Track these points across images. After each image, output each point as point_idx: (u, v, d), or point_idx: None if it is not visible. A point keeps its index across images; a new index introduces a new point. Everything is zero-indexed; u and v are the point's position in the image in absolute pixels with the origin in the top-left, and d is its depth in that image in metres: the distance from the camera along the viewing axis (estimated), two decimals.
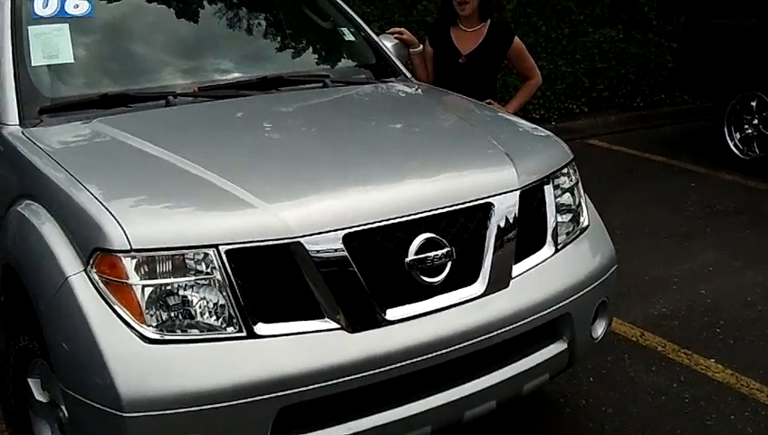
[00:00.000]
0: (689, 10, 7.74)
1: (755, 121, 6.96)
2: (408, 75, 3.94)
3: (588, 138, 8.08)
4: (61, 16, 3.38)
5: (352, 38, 3.98)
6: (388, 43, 4.11)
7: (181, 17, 3.79)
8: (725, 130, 7.16)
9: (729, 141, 7.13)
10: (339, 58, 4.05)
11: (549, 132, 3.31)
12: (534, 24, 8.38)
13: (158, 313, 2.27)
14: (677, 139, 8.15)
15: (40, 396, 2.75)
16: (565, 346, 2.85)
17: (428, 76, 4.42)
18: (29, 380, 2.78)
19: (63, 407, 2.58)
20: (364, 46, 4.00)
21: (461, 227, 2.58)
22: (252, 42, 3.87)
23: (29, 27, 3.30)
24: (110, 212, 2.30)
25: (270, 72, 3.54)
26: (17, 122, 3.02)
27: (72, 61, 3.28)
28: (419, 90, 3.79)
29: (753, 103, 6.93)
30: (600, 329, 3.01)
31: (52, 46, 3.28)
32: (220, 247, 2.28)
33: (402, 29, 4.37)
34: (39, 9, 3.36)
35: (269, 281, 2.34)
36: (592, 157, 7.13)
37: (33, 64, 3.21)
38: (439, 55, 4.41)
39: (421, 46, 4.41)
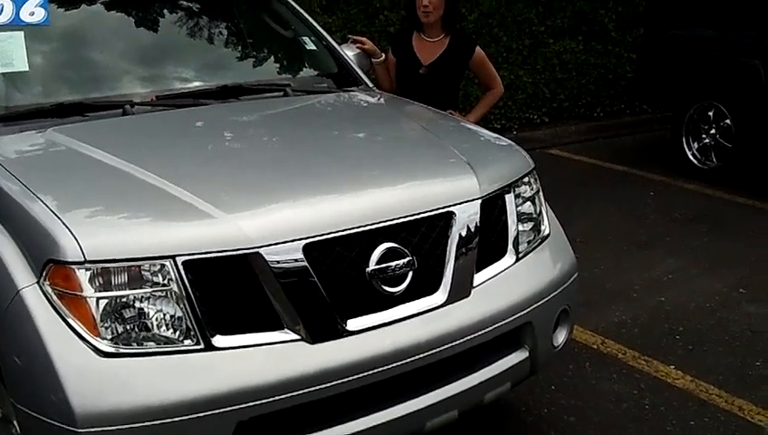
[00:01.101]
0: (648, 21, 7.86)
1: (713, 131, 7.06)
2: (370, 85, 3.93)
3: (549, 147, 8.14)
4: (15, 24, 3.31)
5: (314, 47, 3.96)
6: (349, 53, 4.10)
7: (140, 26, 3.75)
8: (684, 139, 7.26)
9: (687, 151, 7.23)
10: (300, 67, 4.04)
11: (510, 142, 3.32)
12: (495, 34, 8.43)
13: (113, 325, 2.22)
14: (637, 148, 8.25)
15: None
16: (526, 355, 2.84)
17: (392, 85, 4.41)
18: None
19: (16, 422, 2.52)
20: (325, 55, 3.98)
21: (422, 237, 2.57)
22: (212, 51, 3.84)
23: None
24: (64, 223, 2.25)
25: (230, 81, 3.51)
26: None
27: (27, 69, 3.21)
28: (381, 99, 3.78)
29: (711, 113, 7.04)
30: (561, 337, 3.02)
31: (6, 54, 3.21)
32: (177, 259, 2.24)
33: (364, 39, 4.36)
34: None
35: (227, 292, 2.31)
36: (553, 166, 7.18)
37: None
38: (401, 64, 4.42)
39: (383, 56, 4.41)
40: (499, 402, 3.50)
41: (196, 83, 3.53)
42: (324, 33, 4.08)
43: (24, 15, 3.35)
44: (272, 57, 4.03)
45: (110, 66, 3.51)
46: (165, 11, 3.83)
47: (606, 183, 7.07)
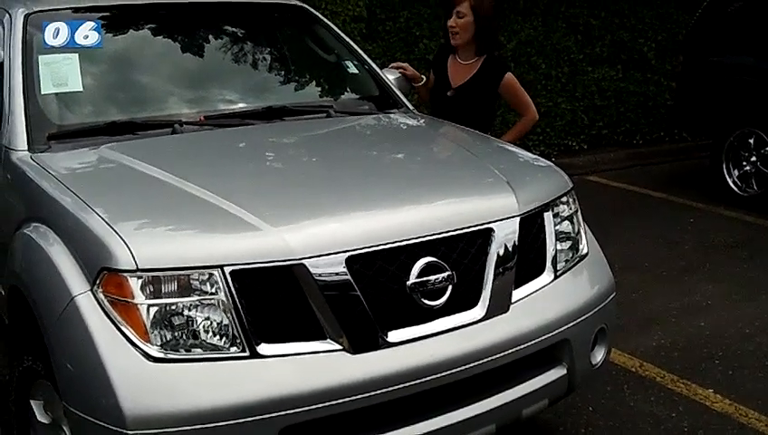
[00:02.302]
0: (687, 49, 7.86)
1: (753, 159, 7.03)
2: (411, 107, 4.00)
3: (587, 174, 8.15)
4: (71, 46, 3.45)
5: (356, 71, 4.06)
6: (390, 76, 4.18)
7: (188, 49, 3.87)
8: (724, 166, 7.23)
9: (728, 178, 7.20)
10: (342, 90, 4.13)
11: (549, 162, 3.37)
12: (534, 62, 8.50)
13: (162, 332, 2.30)
14: (676, 175, 8.22)
15: (42, 417, 2.77)
16: (564, 372, 2.87)
17: None
18: (31, 401, 2.80)
19: (66, 427, 2.60)
20: (367, 78, 4.08)
21: (462, 252, 2.62)
22: (257, 73, 3.95)
23: (39, 56, 3.37)
24: (118, 233, 2.34)
25: (274, 103, 3.61)
26: (26, 148, 3.08)
27: (81, 89, 3.35)
28: (421, 121, 3.86)
29: (751, 141, 7.01)
30: (599, 355, 3.03)
31: (62, 75, 3.35)
32: (225, 268, 2.31)
33: (406, 64, 4.44)
34: (50, 39, 3.43)
35: (272, 302, 2.38)
36: (592, 193, 7.18)
37: (42, 92, 3.28)
38: (435, 84, 4.42)
39: (424, 79, 4.47)
40: (536, 423, 3.52)
41: (242, 105, 3.64)
42: (366, 57, 4.17)
43: (79, 38, 3.50)
44: (315, 80, 4.13)
45: (159, 88, 3.64)
46: (211, 36, 3.95)
47: (645, 210, 7.05)
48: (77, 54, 3.42)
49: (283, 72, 4.04)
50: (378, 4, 8.02)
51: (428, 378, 2.49)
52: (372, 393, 2.40)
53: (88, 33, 3.51)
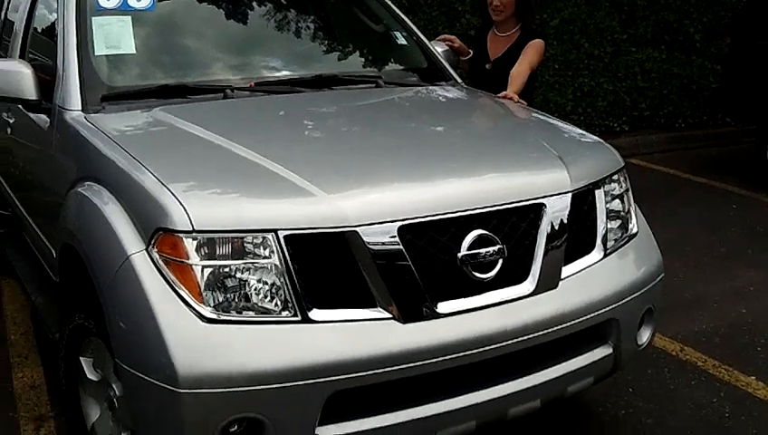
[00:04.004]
0: (735, 32, 7.71)
1: None
2: (459, 80, 3.97)
3: (628, 157, 7.98)
4: (123, 9, 3.46)
5: (404, 42, 4.04)
6: (439, 49, 4.15)
7: (238, 15, 3.87)
8: None
9: None
10: (391, 60, 4.11)
11: (600, 139, 3.33)
12: (577, 41, 8.40)
13: (215, 294, 2.32)
14: (719, 160, 8.11)
15: (91, 375, 2.81)
16: (610, 351, 2.85)
17: None
18: (81, 358, 2.84)
19: (115, 384, 2.64)
20: (416, 50, 4.06)
21: (513, 226, 2.61)
22: (306, 42, 3.93)
23: (93, 18, 3.39)
24: (174, 194, 2.36)
25: (324, 71, 3.60)
26: (80, 108, 3.10)
27: (134, 52, 3.37)
28: (470, 94, 3.83)
29: None
30: (645, 336, 3.02)
31: (115, 37, 3.37)
32: (279, 232, 2.32)
33: (453, 37, 4.42)
34: (103, 1, 3.45)
35: (324, 268, 2.38)
36: (633, 176, 6.93)
37: (96, 54, 3.30)
38: (474, 58, 4.44)
39: (471, 53, 4.45)
40: (576, 402, 3.51)
41: (292, 72, 3.63)
42: (415, 29, 4.14)
43: (132, 1, 3.51)
44: (364, 50, 4.10)
45: (209, 52, 3.64)
46: (262, 3, 3.94)
47: (686, 194, 6.97)
48: (130, 17, 3.43)
49: (332, 42, 4.02)
50: None
51: (476, 350, 2.48)
52: (420, 363, 2.41)
53: None
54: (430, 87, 3.81)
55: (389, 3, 4.24)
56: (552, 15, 8.27)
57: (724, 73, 7.88)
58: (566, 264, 2.74)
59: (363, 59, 4.05)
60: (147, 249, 2.37)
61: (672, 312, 4.45)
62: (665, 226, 5.84)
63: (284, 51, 3.80)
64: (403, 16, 4.20)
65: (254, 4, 3.91)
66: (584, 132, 3.45)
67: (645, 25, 8.78)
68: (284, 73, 3.61)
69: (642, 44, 8.79)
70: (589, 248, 2.85)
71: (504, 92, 3.91)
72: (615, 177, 3.04)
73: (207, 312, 2.29)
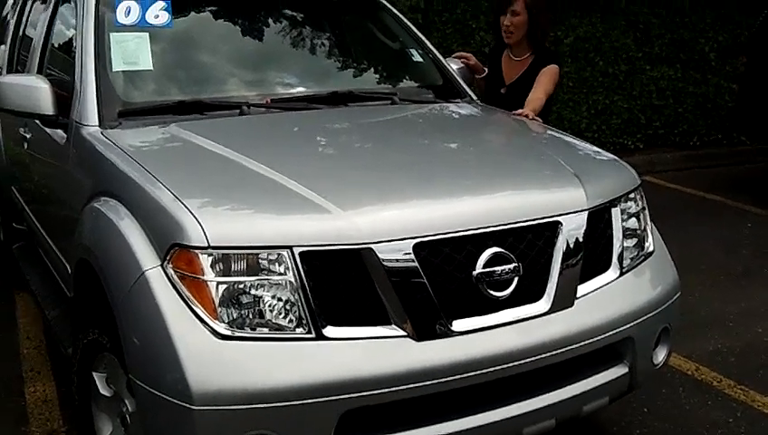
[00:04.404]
0: (750, 51, 7.69)
1: None
2: (474, 97, 3.97)
3: (642, 174, 7.84)
4: (141, 25, 3.48)
5: (420, 59, 4.04)
6: (454, 66, 4.16)
7: (254, 32, 3.90)
8: None
9: None
10: (406, 77, 4.11)
11: (615, 157, 3.32)
12: (591, 59, 8.41)
13: (230, 310, 2.31)
14: (734, 179, 8.07)
15: (104, 390, 2.81)
16: (626, 370, 2.82)
17: None
18: (94, 374, 2.84)
19: (128, 400, 2.64)
20: (431, 67, 4.06)
21: (529, 244, 2.60)
22: (321, 59, 3.95)
23: (111, 34, 3.42)
24: (190, 210, 2.36)
25: (339, 88, 3.60)
26: (97, 124, 3.12)
27: (151, 68, 3.38)
28: (486, 112, 3.83)
29: None
30: (661, 355, 2.99)
31: (133, 53, 3.39)
32: (294, 249, 2.32)
33: (469, 54, 4.42)
34: (121, 17, 3.47)
35: (339, 285, 2.37)
36: (647, 194, 6.98)
37: (113, 69, 3.32)
38: (489, 80, 4.44)
39: (486, 71, 4.45)
40: (591, 422, 3.47)
41: (308, 89, 3.64)
42: (430, 46, 4.15)
43: (150, 18, 3.53)
44: (379, 67, 4.11)
45: (226, 69, 3.66)
46: (278, 19, 3.96)
47: (701, 213, 6.93)
48: (147, 33, 3.45)
49: (347, 58, 4.03)
50: None
51: (491, 369, 2.47)
52: (434, 382, 2.39)
53: (159, 13, 3.53)
54: (445, 104, 3.81)
55: (405, 20, 4.25)
56: (567, 33, 8.28)
57: (740, 92, 7.85)
58: (582, 282, 2.72)
59: (379, 76, 4.05)
60: (162, 265, 2.37)
61: (687, 330, 4.39)
62: (679, 244, 5.75)
63: (300, 67, 3.81)
64: (419, 33, 4.20)
65: (271, 21, 3.94)
66: (600, 150, 3.44)
67: (660, 44, 8.77)
68: (300, 90, 3.62)
69: (657, 63, 8.77)
70: (605, 267, 2.84)
71: (519, 110, 3.91)
72: (631, 195, 3.03)
73: (222, 328, 2.28)
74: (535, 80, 4.20)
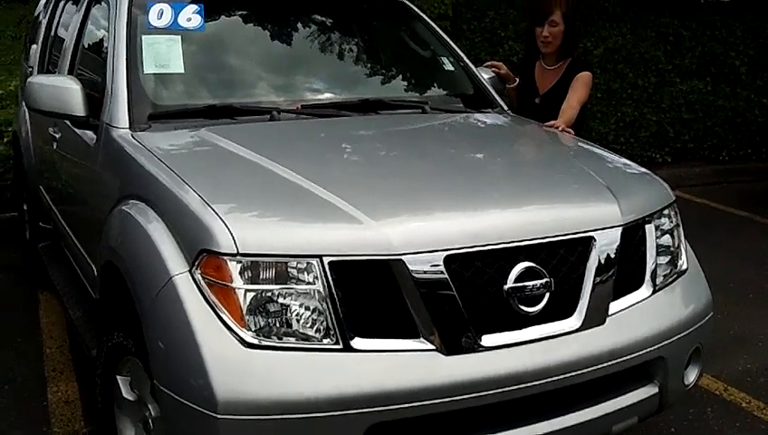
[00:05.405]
0: None
1: None
2: (505, 107, 3.93)
3: (670, 188, 7.92)
4: (174, 28, 3.47)
5: (451, 67, 4.01)
6: (485, 75, 4.12)
7: (285, 38, 3.88)
8: None
9: None
10: (437, 86, 4.08)
11: (649, 171, 3.27)
12: (621, 70, 8.34)
13: (257, 318, 2.28)
14: (763, 195, 7.95)
15: (128, 394, 2.79)
16: (656, 390, 2.76)
17: None
18: (118, 377, 2.82)
19: (151, 405, 2.61)
20: (463, 76, 4.02)
21: (561, 259, 2.55)
22: (352, 66, 3.94)
23: (143, 36, 3.41)
24: (220, 216, 2.34)
25: (370, 96, 3.58)
26: (127, 126, 3.11)
27: (182, 71, 3.37)
28: (518, 122, 3.79)
29: None
30: (692, 376, 2.93)
31: (164, 56, 3.38)
32: (324, 258, 2.29)
33: (500, 63, 4.38)
34: (154, 20, 3.46)
35: (368, 296, 2.34)
36: None
37: (144, 72, 3.31)
38: (522, 90, 4.41)
39: (517, 81, 4.42)
40: None
41: (338, 96, 3.62)
42: (462, 54, 4.11)
43: (182, 21, 3.52)
44: (410, 75, 4.08)
45: (257, 74, 3.65)
46: (309, 26, 3.94)
47: (729, 229, 6.84)
48: (180, 36, 3.44)
49: (378, 66, 4.00)
50: (464, 3, 7.95)
51: (520, 386, 2.42)
52: (462, 397, 2.35)
53: (191, 16, 3.53)
54: (476, 114, 3.77)
55: (436, 27, 4.22)
56: (597, 44, 8.23)
57: None
58: (614, 299, 2.67)
59: (409, 84, 4.02)
60: (190, 271, 2.35)
61: (716, 349, 4.31)
62: (707, 260, 5.64)
63: (331, 74, 3.79)
64: (450, 41, 4.17)
65: (302, 26, 3.92)
66: (632, 163, 3.39)
67: (690, 57, 8.69)
68: (330, 96, 3.60)
69: (687, 76, 8.69)
70: (637, 284, 2.78)
71: (551, 121, 3.87)
72: (666, 211, 2.98)
73: (249, 336, 2.25)
74: (569, 87, 4.18)
